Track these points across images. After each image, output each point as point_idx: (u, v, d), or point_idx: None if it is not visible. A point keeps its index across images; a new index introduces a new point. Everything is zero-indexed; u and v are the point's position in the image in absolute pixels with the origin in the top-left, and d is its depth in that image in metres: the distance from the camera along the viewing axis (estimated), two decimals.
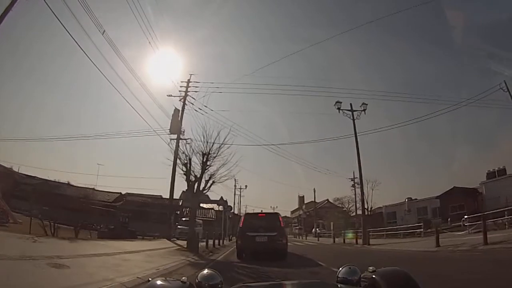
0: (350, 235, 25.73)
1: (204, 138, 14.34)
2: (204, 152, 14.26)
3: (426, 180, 61.15)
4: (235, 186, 45.64)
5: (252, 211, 26.34)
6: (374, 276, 1.66)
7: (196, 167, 14.31)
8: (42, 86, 57.53)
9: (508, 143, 47.63)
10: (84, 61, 56.62)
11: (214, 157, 14.36)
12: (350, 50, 64.43)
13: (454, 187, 32.32)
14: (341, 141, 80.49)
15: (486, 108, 23.38)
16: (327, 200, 55.43)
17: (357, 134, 20.83)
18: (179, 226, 22.19)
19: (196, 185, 13.97)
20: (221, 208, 27.96)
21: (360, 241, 19.43)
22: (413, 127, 66.83)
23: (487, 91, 18.92)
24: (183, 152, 15.41)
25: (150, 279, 1.66)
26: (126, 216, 19.01)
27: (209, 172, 14.23)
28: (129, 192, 35.99)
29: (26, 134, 55.27)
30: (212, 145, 14.27)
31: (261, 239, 10.62)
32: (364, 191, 42.23)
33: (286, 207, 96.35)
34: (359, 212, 45.21)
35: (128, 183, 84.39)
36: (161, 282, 1.57)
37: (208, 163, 14.36)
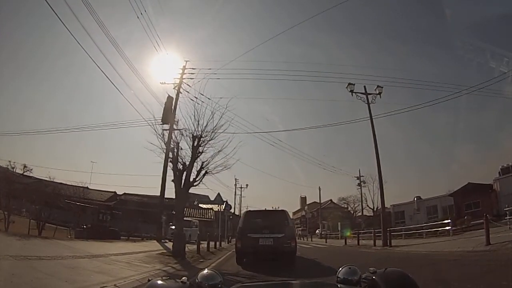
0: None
1: (194, 117, 11.71)
2: (195, 134, 11.66)
3: (428, 179, 59.64)
4: (235, 185, 43.57)
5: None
6: (374, 277, 1.71)
7: (186, 155, 11.79)
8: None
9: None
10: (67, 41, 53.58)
11: (208, 141, 11.79)
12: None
13: (469, 183, 30.65)
14: (346, 137, 78.99)
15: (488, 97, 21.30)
16: (331, 200, 54.55)
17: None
18: (171, 227, 19.74)
19: (184, 175, 11.38)
20: (218, 207, 25.30)
21: (378, 242, 16.80)
22: (415, 127, 64.75)
23: (489, 80, 16.69)
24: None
25: (150, 279, 1.68)
26: (108, 214, 16.55)
27: (201, 160, 11.70)
28: (127, 192, 35.07)
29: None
30: (205, 127, 11.65)
31: (265, 242, 8.84)
32: (370, 189, 40.94)
33: (287, 208, 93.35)
34: (365, 212, 44.14)
35: (130, 182, 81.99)
36: (161, 282, 1.60)
37: (200, 148, 11.77)
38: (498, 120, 48.14)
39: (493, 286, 4.82)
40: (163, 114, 18.50)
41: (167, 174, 16.64)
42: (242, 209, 45.98)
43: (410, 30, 62.10)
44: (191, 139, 11.69)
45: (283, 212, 10.32)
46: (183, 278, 1.65)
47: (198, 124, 11.52)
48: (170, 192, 16.45)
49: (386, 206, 37.18)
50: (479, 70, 19.99)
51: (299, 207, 66.79)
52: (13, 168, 19.94)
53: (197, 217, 32.74)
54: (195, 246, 13.11)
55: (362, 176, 40.32)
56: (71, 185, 23.51)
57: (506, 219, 15.15)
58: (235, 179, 43.55)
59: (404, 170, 63.55)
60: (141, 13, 15.39)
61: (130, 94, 35.11)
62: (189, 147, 11.67)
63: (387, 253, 13.49)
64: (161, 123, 18.24)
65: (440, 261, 8.84)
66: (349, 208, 48.12)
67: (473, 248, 9.82)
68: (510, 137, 44.79)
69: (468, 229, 18.02)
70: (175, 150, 12.02)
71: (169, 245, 12.90)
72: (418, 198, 36.39)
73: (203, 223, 30.69)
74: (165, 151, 13.75)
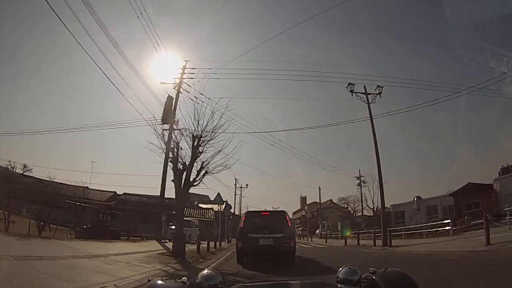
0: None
1: (194, 117, 11.70)
2: (195, 134, 11.65)
3: (428, 179, 59.78)
4: (235, 185, 43.54)
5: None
6: (374, 277, 1.71)
7: (186, 154, 11.79)
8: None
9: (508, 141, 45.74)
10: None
11: (208, 141, 11.78)
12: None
13: (469, 183, 30.65)
14: (346, 137, 79.00)
15: (488, 97, 21.32)
16: (331, 200, 54.50)
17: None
18: (171, 227, 19.71)
19: (184, 174, 11.37)
20: (218, 207, 25.27)
21: (378, 242, 16.78)
22: (415, 127, 64.85)
23: (489, 80, 16.69)
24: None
25: (150, 279, 1.67)
26: (108, 214, 16.54)
27: (201, 160, 11.70)
28: (127, 192, 35.12)
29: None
30: (205, 127, 11.64)
31: (265, 242, 9.13)
32: (370, 189, 40.92)
33: (287, 208, 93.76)
34: (365, 212, 44.13)
35: (130, 182, 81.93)
36: (161, 282, 1.60)
37: (200, 148, 11.77)
38: (498, 120, 48.24)
39: (493, 286, 4.82)
40: (163, 114, 18.48)
41: (167, 174, 16.64)
42: (242, 209, 46.06)
43: (410, 30, 62.25)
44: (191, 139, 11.67)
45: (283, 212, 10.57)
46: (183, 278, 1.65)
47: (198, 124, 11.50)
48: (170, 192, 16.41)
49: (386, 206, 37.18)
50: (479, 70, 19.99)
51: (299, 207, 66.82)
52: (13, 168, 19.99)
53: (197, 217, 32.74)
54: (195, 246, 13.11)
55: (362, 176, 40.34)
56: (71, 185, 23.53)
57: (506, 219, 15.16)
58: (235, 179, 43.60)
59: (404, 170, 63.65)
60: (141, 13, 15.38)
61: (130, 94, 35.17)
62: (189, 147, 11.66)
63: (387, 253, 13.47)
64: (161, 123, 18.23)
65: (440, 261, 8.84)
66: (349, 208, 48.09)
67: (473, 248, 9.82)
68: (510, 137, 44.86)
69: (468, 229, 18.01)
70: (175, 150, 12.00)
71: (169, 245, 12.91)
72: (418, 198, 36.38)
73: (203, 223, 30.66)
74: (165, 151, 13.72)
